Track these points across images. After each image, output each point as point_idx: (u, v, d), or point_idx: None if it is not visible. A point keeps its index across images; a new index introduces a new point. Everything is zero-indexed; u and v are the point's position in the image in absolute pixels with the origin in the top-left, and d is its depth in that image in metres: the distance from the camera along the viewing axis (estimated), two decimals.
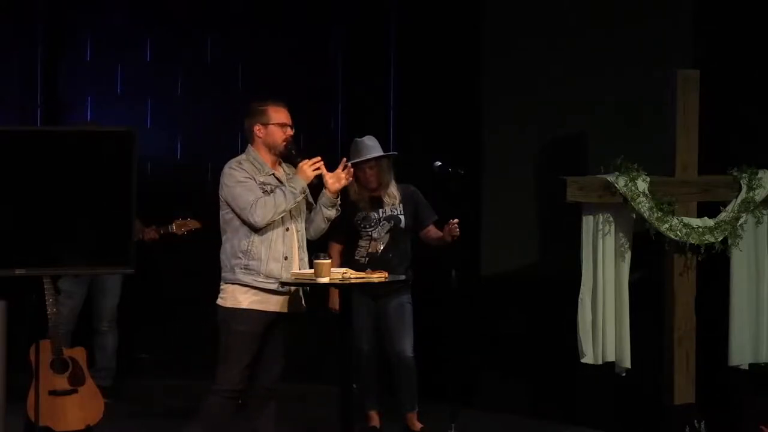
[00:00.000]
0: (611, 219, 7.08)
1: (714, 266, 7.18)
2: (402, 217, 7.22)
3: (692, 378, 7.19)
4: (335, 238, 7.24)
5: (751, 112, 7.86)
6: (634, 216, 7.05)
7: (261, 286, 6.07)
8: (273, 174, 6.15)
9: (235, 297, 6.10)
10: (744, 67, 7.90)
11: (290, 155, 6.19)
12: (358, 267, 6.81)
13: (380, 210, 7.22)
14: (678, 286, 7.17)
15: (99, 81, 9.18)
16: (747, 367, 7.26)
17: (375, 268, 6.62)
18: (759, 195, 7.16)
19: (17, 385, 6.94)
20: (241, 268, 6.07)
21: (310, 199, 6.24)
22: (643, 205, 7.01)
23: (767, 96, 7.84)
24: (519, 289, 8.33)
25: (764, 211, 7.22)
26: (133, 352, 8.89)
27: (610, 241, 7.09)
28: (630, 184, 7.01)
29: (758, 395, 7.42)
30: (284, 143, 6.17)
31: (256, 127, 6.24)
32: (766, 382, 7.39)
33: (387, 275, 6.42)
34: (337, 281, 6.17)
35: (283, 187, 6.07)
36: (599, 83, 8.20)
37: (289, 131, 6.22)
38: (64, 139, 6.55)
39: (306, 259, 6.17)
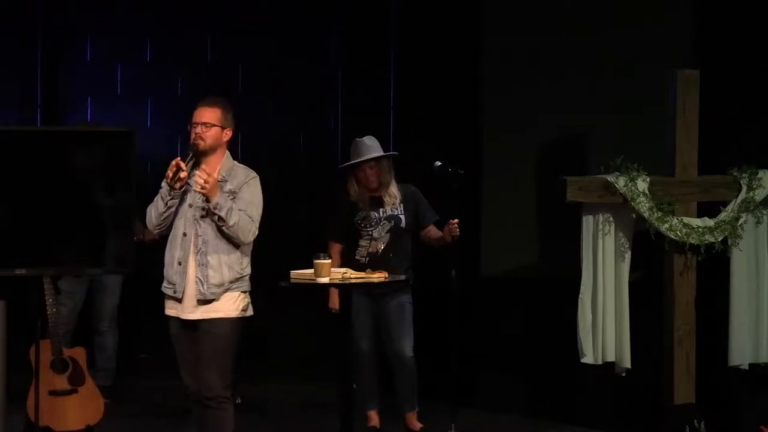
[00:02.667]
0: (611, 219, 7.08)
1: (714, 266, 7.18)
2: (402, 217, 7.22)
3: (692, 378, 7.19)
4: (335, 238, 7.25)
5: (751, 111, 7.87)
6: (634, 216, 7.05)
7: (164, 292, 5.98)
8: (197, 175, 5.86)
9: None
10: (744, 67, 7.90)
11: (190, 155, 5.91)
12: (358, 267, 6.81)
13: (380, 210, 7.22)
14: (678, 286, 7.17)
15: (99, 81, 9.18)
16: (747, 367, 7.26)
17: (375, 268, 6.62)
18: (759, 195, 7.16)
19: (17, 385, 6.95)
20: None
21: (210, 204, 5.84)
22: (643, 205, 7.01)
23: (767, 96, 7.84)
24: (519, 289, 8.34)
25: (764, 211, 7.22)
26: (133, 352, 8.89)
27: (610, 241, 7.09)
28: (630, 184, 7.01)
29: (758, 395, 7.42)
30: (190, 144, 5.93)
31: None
32: (766, 382, 7.39)
33: (387, 275, 6.42)
34: (337, 281, 6.18)
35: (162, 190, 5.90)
36: (599, 83, 8.20)
37: (198, 130, 5.92)
38: (64, 139, 6.55)
39: (212, 262, 5.85)
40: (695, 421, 7.04)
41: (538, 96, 8.31)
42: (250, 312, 6.04)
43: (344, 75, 9.25)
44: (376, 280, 6.39)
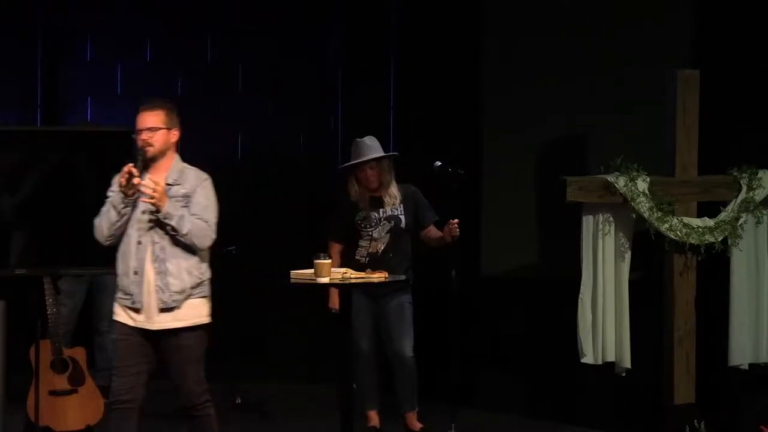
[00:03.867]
0: (611, 219, 7.08)
1: (714, 266, 7.18)
2: (402, 217, 7.22)
3: (692, 378, 7.19)
4: (335, 238, 7.25)
5: (751, 111, 7.86)
6: (634, 216, 7.05)
7: (120, 303, 5.81)
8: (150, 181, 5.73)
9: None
10: (744, 66, 7.90)
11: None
12: (358, 267, 6.81)
13: (381, 210, 7.22)
14: (678, 286, 7.17)
15: (99, 81, 9.18)
16: (747, 367, 7.26)
17: (375, 268, 6.62)
18: (759, 195, 7.16)
19: (17, 385, 6.95)
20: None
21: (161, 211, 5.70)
22: (643, 205, 7.01)
23: (767, 96, 7.84)
24: (519, 289, 8.33)
25: (764, 211, 7.22)
26: None
27: (610, 241, 7.09)
28: (630, 184, 7.01)
29: (758, 395, 7.42)
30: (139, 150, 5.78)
31: None
32: (766, 382, 7.39)
33: (387, 275, 6.42)
34: (337, 281, 6.18)
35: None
36: (599, 83, 8.20)
37: (144, 136, 5.76)
38: (64, 139, 6.56)
39: (172, 269, 5.71)
40: (695, 421, 7.04)
41: (538, 96, 8.31)
42: (210, 318, 5.90)
43: (344, 75, 9.25)
44: (376, 280, 6.39)
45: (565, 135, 8.33)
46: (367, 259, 7.13)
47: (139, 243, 5.72)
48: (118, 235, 5.76)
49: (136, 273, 5.73)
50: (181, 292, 5.75)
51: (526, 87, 8.36)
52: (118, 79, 9.23)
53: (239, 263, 8.22)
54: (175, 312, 5.76)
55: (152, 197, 5.61)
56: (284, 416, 8.04)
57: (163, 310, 5.74)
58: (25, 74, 9.17)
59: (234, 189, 9.15)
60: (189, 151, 9.21)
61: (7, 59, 9.09)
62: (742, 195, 7.15)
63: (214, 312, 8.89)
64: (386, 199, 7.21)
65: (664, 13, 8.20)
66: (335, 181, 7.68)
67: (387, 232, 7.20)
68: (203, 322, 5.85)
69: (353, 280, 6.24)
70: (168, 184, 5.75)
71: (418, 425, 7.29)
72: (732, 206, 7.17)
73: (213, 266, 8.28)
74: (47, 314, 7.10)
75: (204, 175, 5.91)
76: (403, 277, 6.92)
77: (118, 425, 5.85)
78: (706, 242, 7.10)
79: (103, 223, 5.75)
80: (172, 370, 5.84)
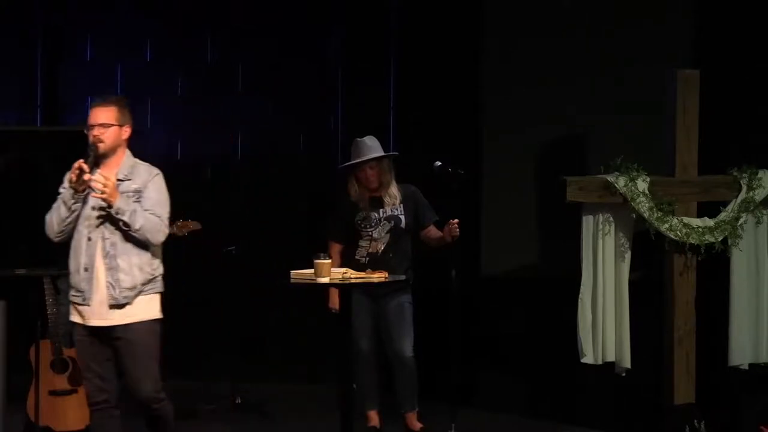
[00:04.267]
0: (611, 219, 7.08)
1: (714, 266, 7.18)
2: (402, 217, 7.22)
3: (692, 378, 7.19)
4: (335, 238, 7.25)
5: (751, 111, 7.86)
6: (634, 216, 7.05)
7: (72, 300, 5.79)
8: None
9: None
10: (744, 66, 7.90)
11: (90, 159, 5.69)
12: (358, 267, 6.81)
13: (381, 210, 7.22)
14: (678, 286, 7.17)
15: (99, 81, 9.18)
16: (747, 367, 7.26)
17: (375, 268, 6.62)
18: (759, 195, 7.16)
19: (17, 385, 6.95)
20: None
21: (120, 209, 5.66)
22: (643, 205, 7.01)
23: (767, 96, 7.84)
24: (519, 289, 8.33)
25: (764, 211, 7.22)
26: None
27: (610, 241, 7.09)
28: (630, 184, 7.01)
29: (758, 395, 7.42)
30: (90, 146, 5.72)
31: None
32: (766, 382, 7.39)
33: (387, 275, 6.42)
34: (337, 281, 6.17)
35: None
36: (599, 83, 8.20)
37: (96, 132, 5.72)
38: (64, 139, 6.56)
39: (122, 265, 5.68)
40: (695, 421, 7.04)
41: (538, 96, 8.30)
42: (161, 314, 5.88)
43: (344, 75, 9.24)
44: (376, 280, 6.39)
45: (565, 135, 8.32)
46: (367, 259, 7.13)
47: (89, 239, 5.68)
48: (69, 232, 5.72)
49: (86, 269, 5.69)
50: (131, 289, 5.72)
51: (526, 87, 8.35)
52: (118, 79, 9.23)
53: (239, 263, 8.23)
54: (127, 308, 5.72)
55: (103, 192, 5.57)
56: (284, 416, 8.04)
57: (113, 307, 5.70)
58: (25, 74, 9.17)
59: (234, 189, 9.18)
60: (189, 151, 9.29)
61: (7, 59, 9.09)
62: (742, 195, 7.15)
63: (214, 312, 8.92)
64: (386, 199, 7.21)
65: (664, 13, 8.20)
66: (335, 181, 7.68)
67: (387, 232, 7.20)
68: (155, 318, 5.83)
69: (353, 280, 6.24)
70: (119, 180, 5.71)
71: (418, 425, 7.29)
72: (732, 206, 7.16)
73: (212, 266, 8.30)
74: (47, 314, 7.10)
75: (155, 170, 5.89)
76: (403, 277, 6.92)
77: (102, 425, 5.88)
78: (706, 242, 7.10)
79: (54, 219, 5.71)
80: (125, 366, 5.79)
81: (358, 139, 7.24)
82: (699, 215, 7.18)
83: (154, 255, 5.80)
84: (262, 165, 9.26)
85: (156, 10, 9.18)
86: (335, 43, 9.25)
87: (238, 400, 8.17)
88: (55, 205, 5.72)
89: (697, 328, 7.20)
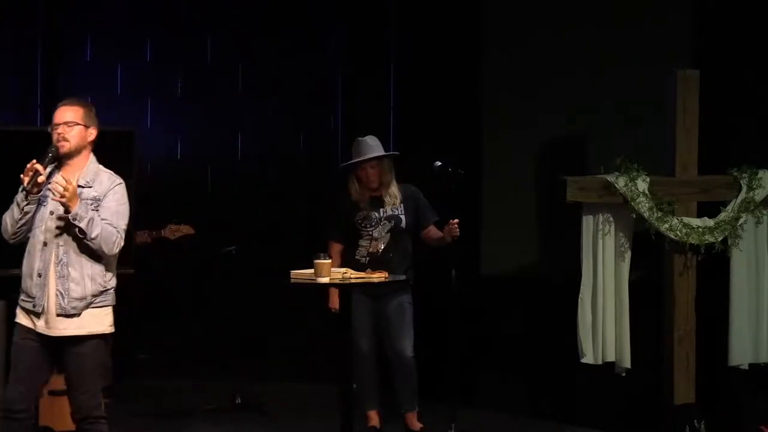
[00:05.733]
0: (611, 219, 7.08)
1: (714, 266, 7.18)
2: (403, 217, 7.22)
3: (692, 378, 7.19)
4: (335, 238, 7.25)
5: (751, 111, 7.86)
6: (634, 216, 7.05)
7: (22, 306, 5.58)
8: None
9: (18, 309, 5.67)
10: (744, 66, 7.89)
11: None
12: (358, 267, 6.81)
13: (381, 210, 7.22)
14: (678, 286, 7.17)
15: (99, 81, 9.18)
16: (747, 367, 7.26)
17: (375, 268, 6.63)
18: (759, 195, 7.16)
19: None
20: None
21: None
22: (643, 205, 7.01)
23: (767, 96, 7.84)
24: (519, 289, 8.33)
25: (764, 211, 7.22)
26: (133, 352, 8.89)
27: (610, 241, 7.09)
28: (630, 184, 7.01)
29: (758, 395, 7.42)
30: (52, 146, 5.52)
31: None
32: (766, 382, 7.39)
33: (387, 275, 6.42)
34: (337, 281, 6.17)
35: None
36: (599, 83, 8.20)
37: (60, 130, 5.52)
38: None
39: (74, 274, 5.49)
40: (695, 421, 7.05)
41: (538, 96, 8.30)
42: (112, 328, 5.66)
43: (344, 75, 9.25)
44: (376, 280, 6.39)
45: (565, 135, 8.32)
46: (368, 258, 7.13)
47: (45, 245, 5.51)
48: (24, 234, 5.57)
49: (39, 275, 5.51)
50: (81, 299, 5.51)
51: (526, 87, 8.35)
52: (118, 79, 9.23)
53: (239, 263, 8.23)
54: (76, 319, 5.52)
55: (63, 196, 5.39)
56: (284, 416, 8.04)
57: (60, 316, 5.50)
58: (25, 74, 9.16)
59: (234, 189, 9.18)
60: (189, 151, 9.29)
61: (7, 59, 9.09)
62: (742, 195, 7.15)
63: (214, 312, 8.90)
64: (386, 199, 7.21)
65: (664, 13, 8.20)
66: (335, 181, 7.69)
67: (387, 232, 7.20)
68: (105, 332, 5.60)
69: (353, 280, 6.24)
70: (80, 185, 5.52)
71: (418, 425, 7.29)
72: (732, 206, 7.16)
73: (211, 266, 8.28)
74: None
75: (118, 180, 5.64)
76: (403, 277, 6.92)
77: None
78: (706, 242, 7.10)
79: (8, 221, 5.56)
80: (69, 378, 5.61)
81: (360, 138, 7.24)
82: (699, 215, 7.18)
83: (107, 266, 5.59)
84: (262, 165, 9.26)
85: (156, 10, 9.18)
86: (335, 43, 9.25)
87: (238, 400, 8.17)
88: (11, 206, 5.55)
89: (697, 328, 7.20)
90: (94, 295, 5.55)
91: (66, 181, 5.41)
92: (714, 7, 8.07)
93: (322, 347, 8.56)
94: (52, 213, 5.51)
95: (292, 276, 6.24)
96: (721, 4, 8.04)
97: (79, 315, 5.52)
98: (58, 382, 7.09)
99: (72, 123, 5.54)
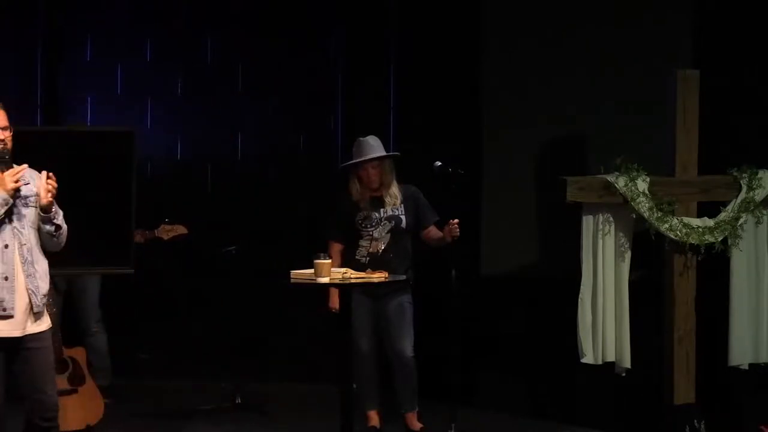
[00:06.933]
0: (611, 219, 7.08)
1: (714, 266, 7.18)
2: (403, 217, 7.22)
3: (692, 378, 7.19)
4: (335, 238, 7.24)
5: (751, 111, 7.86)
6: (634, 216, 7.05)
7: None
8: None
9: None
10: (744, 66, 7.90)
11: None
12: (358, 267, 6.81)
13: (381, 210, 7.22)
14: (678, 286, 7.18)
15: (99, 81, 9.18)
16: (747, 367, 7.26)
17: (376, 268, 6.63)
18: (759, 195, 7.16)
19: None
20: None
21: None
22: (643, 205, 7.01)
23: (767, 96, 7.84)
24: (519, 288, 8.34)
25: (764, 211, 7.22)
26: (133, 352, 8.89)
27: (610, 241, 7.09)
28: (630, 184, 7.01)
29: (758, 395, 7.42)
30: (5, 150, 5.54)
31: None
32: (766, 382, 7.39)
33: (387, 275, 6.42)
34: (337, 281, 6.18)
35: None
36: (599, 83, 8.20)
37: (2, 135, 5.53)
38: (64, 139, 6.55)
39: (39, 271, 5.55)
40: (695, 421, 7.05)
41: (538, 96, 8.31)
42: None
43: (344, 75, 9.25)
44: (376, 280, 6.39)
45: (565, 135, 8.33)
46: (368, 258, 7.13)
47: (6, 247, 5.49)
48: None
49: (6, 278, 5.48)
50: (45, 296, 5.61)
51: (526, 87, 8.36)
52: (118, 79, 9.23)
53: (239, 263, 8.23)
54: (40, 315, 5.60)
55: (54, 195, 5.46)
56: (284, 416, 8.04)
57: (35, 314, 5.55)
58: (25, 74, 9.16)
59: (234, 189, 9.18)
60: (189, 151, 9.29)
61: (7, 59, 9.08)
62: (742, 195, 7.15)
63: (214, 311, 8.91)
64: (387, 199, 7.21)
65: (664, 13, 8.20)
66: (335, 181, 7.68)
67: (387, 232, 7.20)
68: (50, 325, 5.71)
69: (353, 280, 6.24)
70: (25, 183, 5.56)
71: (418, 425, 7.29)
72: (732, 206, 7.17)
73: (212, 266, 8.29)
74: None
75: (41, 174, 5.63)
76: (403, 277, 6.92)
77: None
78: (706, 242, 7.10)
79: None
80: (34, 378, 5.59)
81: (361, 138, 7.24)
82: (699, 215, 7.18)
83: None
84: (262, 165, 9.26)
85: (156, 10, 9.17)
86: (335, 43, 9.25)
87: (238, 400, 8.17)
88: None
89: (697, 328, 7.20)
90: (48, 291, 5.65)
91: (54, 179, 5.47)
92: (714, 7, 8.07)
93: (322, 347, 8.56)
94: (9, 215, 5.49)
95: (292, 276, 6.24)
96: (721, 4, 8.05)
97: (42, 311, 5.61)
98: (58, 381, 7.10)
99: (7, 126, 5.58)
